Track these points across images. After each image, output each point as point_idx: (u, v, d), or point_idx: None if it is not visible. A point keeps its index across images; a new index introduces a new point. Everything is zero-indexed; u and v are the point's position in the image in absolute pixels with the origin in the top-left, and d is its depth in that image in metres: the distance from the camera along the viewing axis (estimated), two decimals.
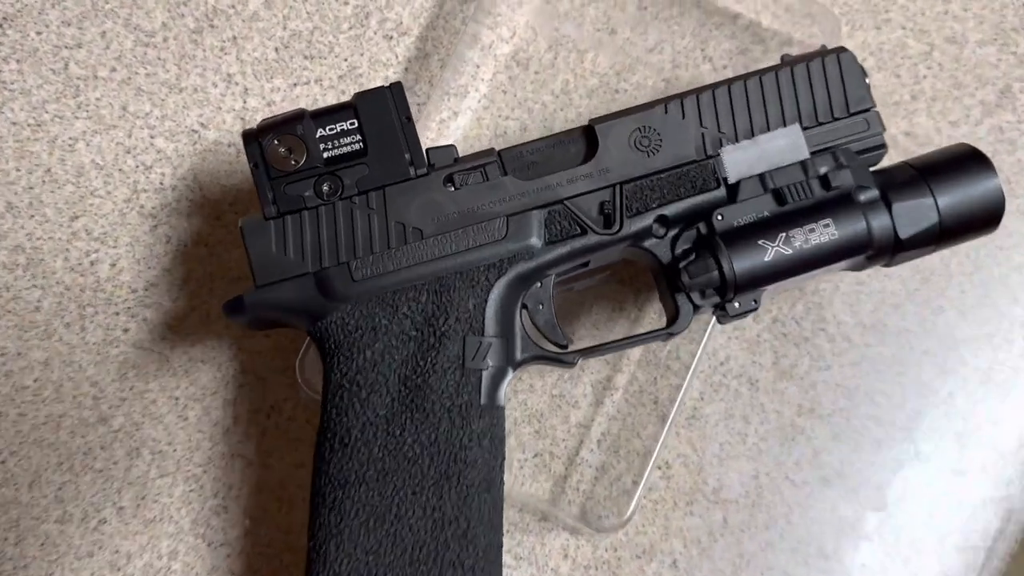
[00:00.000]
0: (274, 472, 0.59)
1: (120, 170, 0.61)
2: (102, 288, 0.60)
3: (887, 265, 0.51)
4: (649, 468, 0.57)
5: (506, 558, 0.58)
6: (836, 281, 0.62)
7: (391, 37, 0.63)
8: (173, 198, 0.61)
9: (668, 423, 0.58)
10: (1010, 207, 0.57)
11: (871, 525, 0.60)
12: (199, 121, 0.62)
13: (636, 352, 0.60)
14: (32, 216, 0.60)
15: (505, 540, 0.57)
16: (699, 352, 0.58)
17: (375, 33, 0.63)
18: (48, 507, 0.58)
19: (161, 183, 0.61)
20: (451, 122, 0.62)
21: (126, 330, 0.60)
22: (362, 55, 0.63)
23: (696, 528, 0.60)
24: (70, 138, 0.61)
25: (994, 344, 0.62)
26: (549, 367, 0.54)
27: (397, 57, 0.63)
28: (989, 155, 0.63)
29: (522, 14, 0.63)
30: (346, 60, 0.63)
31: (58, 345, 0.59)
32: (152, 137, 0.61)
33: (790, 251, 0.48)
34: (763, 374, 0.61)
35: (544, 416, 0.60)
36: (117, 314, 0.60)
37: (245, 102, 0.62)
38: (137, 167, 0.61)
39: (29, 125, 0.61)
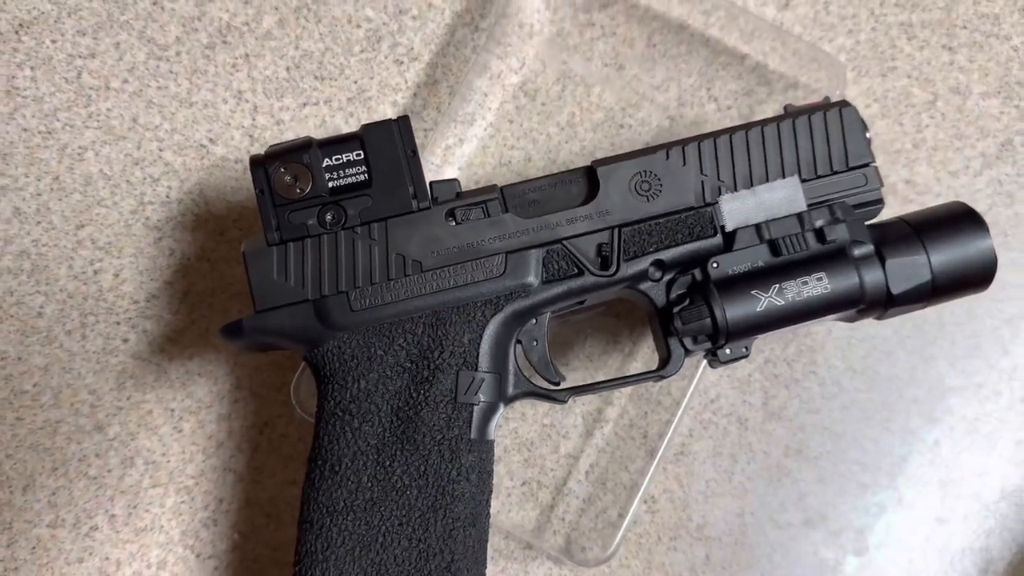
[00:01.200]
0: (265, 488, 0.60)
1: (128, 181, 0.62)
2: (104, 297, 0.61)
3: (879, 318, 0.52)
4: (635, 502, 0.58)
5: None
6: (829, 326, 0.62)
7: (401, 62, 0.64)
8: (178, 211, 0.62)
9: (656, 458, 0.58)
10: (1004, 260, 0.57)
11: (851, 569, 0.61)
12: (208, 136, 0.62)
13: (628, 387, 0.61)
14: (39, 223, 0.61)
15: (489, 566, 0.58)
16: (690, 389, 0.59)
17: (386, 57, 0.64)
18: (41, 511, 0.59)
19: (167, 196, 0.62)
20: (457, 149, 0.63)
21: (126, 340, 0.60)
22: (372, 78, 0.63)
23: (679, 564, 0.60)
24: (79, 147, 0.62)
25: (982, 395, 0.62)
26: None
27: (406, 82, 0.64)
28: (987, 207, 0.64)
29: (532, 46, 0.64)
30: (356, 83, 0.63)
31: (58, 352, 0.60)
32: (161, 150, 0.62)
33: (782, 302, 0.49)
34: (752, 414, 0.62)
35: (534, 445, 0.61)
36: (118, 324, 0.60)
37: (254, 119, 0.63)
38: (144, 179, 0.62)
39: (40, 132, 0.62)
